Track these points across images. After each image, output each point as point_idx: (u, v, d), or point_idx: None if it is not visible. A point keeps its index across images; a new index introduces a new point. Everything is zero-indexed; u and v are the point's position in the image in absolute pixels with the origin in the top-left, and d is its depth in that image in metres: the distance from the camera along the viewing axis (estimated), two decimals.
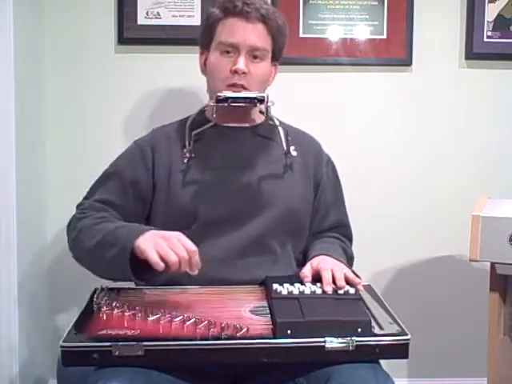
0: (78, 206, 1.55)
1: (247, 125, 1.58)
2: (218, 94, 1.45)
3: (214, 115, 1.48)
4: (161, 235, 1.29)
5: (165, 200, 1.51)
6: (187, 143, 1.52)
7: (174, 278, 1.38)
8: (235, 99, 1.45)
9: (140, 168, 1.53)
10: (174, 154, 1.54)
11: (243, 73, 1.47)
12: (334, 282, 1.34)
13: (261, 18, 1.48)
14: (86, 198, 1.56)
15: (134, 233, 1.31)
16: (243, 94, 1.47)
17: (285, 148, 1.54)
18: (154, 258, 1.23)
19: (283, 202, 1.52)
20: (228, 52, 1.49)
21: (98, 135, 2.06)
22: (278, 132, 1.55)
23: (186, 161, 1.51)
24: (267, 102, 1.46)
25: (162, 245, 1.26)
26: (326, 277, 1.34)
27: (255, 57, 1.50)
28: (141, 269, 1.30)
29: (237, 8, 1.47)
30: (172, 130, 1.60)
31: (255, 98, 1.46)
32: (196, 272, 1.29)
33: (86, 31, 2.03)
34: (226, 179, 1.51)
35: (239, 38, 1.47)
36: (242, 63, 1.47)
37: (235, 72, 1.47)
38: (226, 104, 1.45)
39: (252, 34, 1.48)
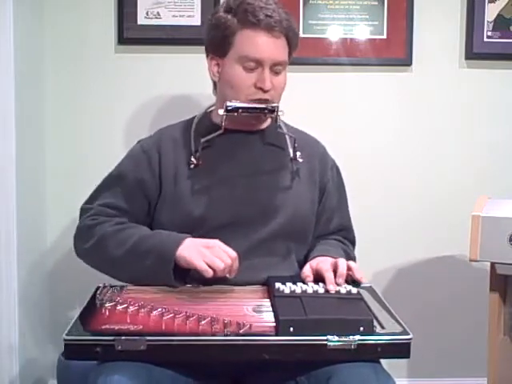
0: (82, 211, 1.52)
1: (255, 130, 1.56)
2: (228, 104, 1.43)
3: (224, 123, 1.45)
4: (203, 244, 1.35)
5: (171, 205, 1.48)
6: (193, 149, 1.50)
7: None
8: (246, 109, 1.44)
9: (146, 170, 1.51)
10: (180, 157, 1.51)
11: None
12: (335, 273, 1.35)
13: (284, 32, 1.45)
14: (88, 202, 1.53)
15: (172, 241, 1.36)
16: (254, 104, 1.45)
17: (291, 154, 1.53)
18: (202, 266, 1.30)
19: (290, 209, 1.51)
20: (251, 67, 1.45)
21: (98, 135, 2.06)
22: (285, 138, 1.55)
23: (192, 167, 1.48)
24: (277, 112, 1.45)
25: (207, 254, 1.32)
26: (329, 277, 1.34)
27: (276, 69, 1.46)
28: (177, 274, 1.36)
29: (260, 22, 1.42)
30: (177, 131, 1.56)
31: (265, 108, 1.45)
32: (233, 275, 1.37)
33: (86, 31, 2.03)
34: (233, 186, 1.49)
35: (263, 54, 1.43)
36: (268, 81, 1.44)
37: (260, 88, 1.45)
38: (235, 114, 1.43)
39: (275, 48, 1.45)
